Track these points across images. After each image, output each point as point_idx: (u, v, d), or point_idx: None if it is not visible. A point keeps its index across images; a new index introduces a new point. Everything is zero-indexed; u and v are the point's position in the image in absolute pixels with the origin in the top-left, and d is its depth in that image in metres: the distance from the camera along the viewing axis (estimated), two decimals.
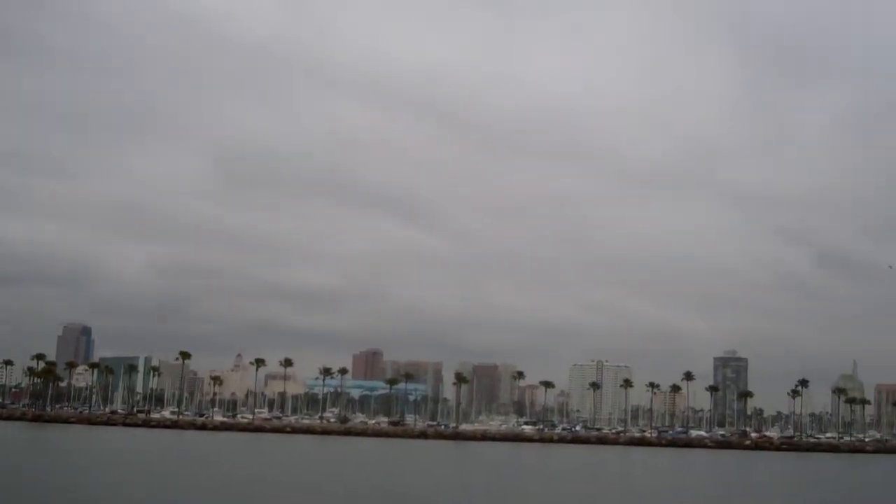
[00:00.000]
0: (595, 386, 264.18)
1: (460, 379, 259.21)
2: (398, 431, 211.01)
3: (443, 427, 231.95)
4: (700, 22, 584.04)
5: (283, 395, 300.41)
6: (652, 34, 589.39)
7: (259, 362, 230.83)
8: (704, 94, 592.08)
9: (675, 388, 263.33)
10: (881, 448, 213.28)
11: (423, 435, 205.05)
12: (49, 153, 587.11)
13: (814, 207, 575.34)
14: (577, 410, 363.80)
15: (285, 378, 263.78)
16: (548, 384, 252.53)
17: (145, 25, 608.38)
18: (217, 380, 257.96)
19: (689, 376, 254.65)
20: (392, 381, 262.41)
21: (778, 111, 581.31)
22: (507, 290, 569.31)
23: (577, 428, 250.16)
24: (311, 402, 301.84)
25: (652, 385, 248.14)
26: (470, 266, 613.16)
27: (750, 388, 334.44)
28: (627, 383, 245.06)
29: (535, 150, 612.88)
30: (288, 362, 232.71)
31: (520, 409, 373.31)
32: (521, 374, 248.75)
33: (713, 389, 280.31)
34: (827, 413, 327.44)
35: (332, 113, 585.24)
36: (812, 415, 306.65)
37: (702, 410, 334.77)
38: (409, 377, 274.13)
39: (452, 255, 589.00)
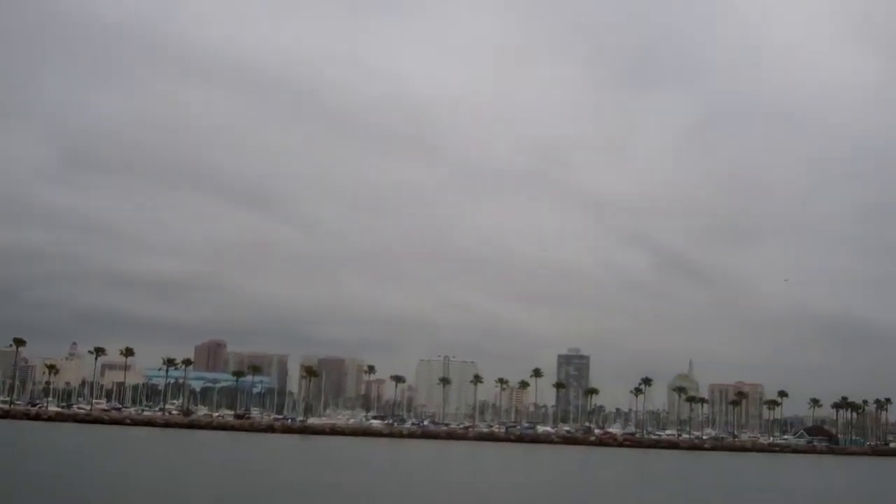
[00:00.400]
0: (445, 381, 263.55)
1: (309, 372, 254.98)
2: (244, 425, 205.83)
3: (289, 421, 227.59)
4: (552, 25, 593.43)
5: (121, 385, 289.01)
6: (505, 35, 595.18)
7: (98, 351, 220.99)
8: (554, 96, 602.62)
9: (524, 385, 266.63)
10: (718, 445, 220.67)
11: (270, 428, 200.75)
12: None
13: (654, 211, 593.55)
14: (424, 405, 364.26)
15: (125, 368, 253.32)
16: (398, 379, 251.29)
17: None
18: (52, 368, 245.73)
19: (537, 373, 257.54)
20: (238, 374, 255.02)
21: (625, 116, 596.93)
22: (357, 284, 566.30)
23: (426, 423, 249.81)
24: (152, 393, 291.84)
25: (501, 381, 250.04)
26: (320, 258, 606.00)
27: (591, 386, 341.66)
28: (477, 379, 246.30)
29: (389, 143, 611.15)
30: (128, 352, 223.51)
31: (367, 404, 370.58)
32: (371, 369, 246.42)
33: (559, 386, 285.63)
34: (664, 411, 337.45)
35: (181, 99, 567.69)
36: (650, 412, 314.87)
37: (545, 406, 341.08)
38: (256, 370, 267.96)
39: (303, 247, 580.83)
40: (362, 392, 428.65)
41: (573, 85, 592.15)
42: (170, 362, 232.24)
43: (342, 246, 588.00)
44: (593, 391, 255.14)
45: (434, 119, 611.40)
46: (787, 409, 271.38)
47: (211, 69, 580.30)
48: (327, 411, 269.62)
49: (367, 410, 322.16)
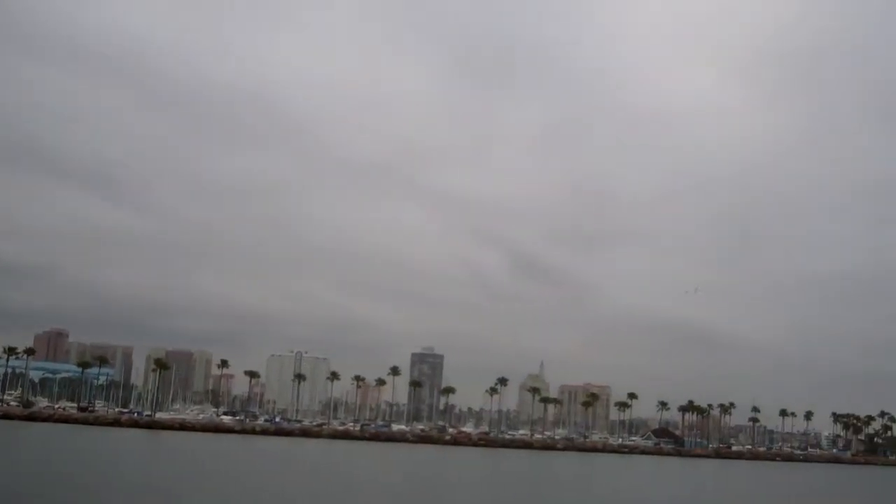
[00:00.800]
0: (300, 377, 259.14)
1: (160, 364, 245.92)
2: (88, 418, 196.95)
3: (136, 415, 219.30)
4: (417, 24, 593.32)
5: None
6: (369, 31, 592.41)
7: None
8: (416, 94, 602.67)
9: (380, 382, 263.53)
10: (570, 446, 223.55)
11: (116, 422, 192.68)
12: None
13: (509, 212, 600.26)
14: (274, 401, 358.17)
15: None
16: (253, 374, 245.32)
17: None
18: None
19: (395, 371, 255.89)
20: (85, 364, 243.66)
21: (484, 117, 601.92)
22: (207, 276, 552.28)
23: (278, 419, 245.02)
24: None
25: (357, 378, 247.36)
26: (168, 248, 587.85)
27: (444, 385, 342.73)
28: (335, 376, 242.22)
29: (245, 134, 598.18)
30: None
31: (215, 399, 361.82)
32: (225, 363, 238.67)
33: (416, 385, 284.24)
34: (514, 411, 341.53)
35: (29, 81, 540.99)
36: (500, 411, 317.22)
37: (397, 404, 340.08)
38: (103, 361, 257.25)
39: (149, 236, 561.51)
40: (210, 387, 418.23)
41: (435, 84, 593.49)
42: (11, 351, 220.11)
43: (194, 237, 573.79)
44: (450, 390, 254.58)
45: (291, 111, 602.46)
46: (634, 412, 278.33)
47: (56, 49, 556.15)
48: (175, 406, 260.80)
49: (216, 406, 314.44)
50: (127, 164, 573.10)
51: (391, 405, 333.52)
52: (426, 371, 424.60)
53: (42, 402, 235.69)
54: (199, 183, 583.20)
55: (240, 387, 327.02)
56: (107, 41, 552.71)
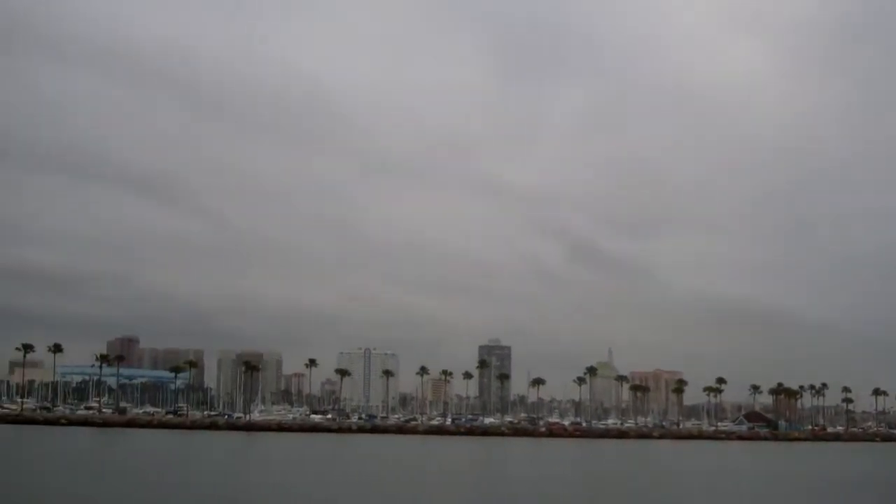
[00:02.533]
0: (388, 374, 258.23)
1: (249, 366, 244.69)
2: (185, 423, 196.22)
3: (227, 417, 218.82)
4: (455, 15, 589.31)
5: (31, 383, 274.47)
6: (408, 25, 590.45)
7: (27, 348, 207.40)
8: (458, 86, 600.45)
9: (446, 374, 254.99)
10: (665, 434, 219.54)
11: (213, 426, 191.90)
12: None
13: (561, 200, 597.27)
14: (349, 398, 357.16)
15: (24, 365, 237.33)
16: (344, 372, 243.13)
17: None
18: None
19: (483, 364, 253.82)
20: (176, 369, 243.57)
21: (528, 105, 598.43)
22: (266, 277, 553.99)
23: (367, 417, 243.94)
24: (71, 390, 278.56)
25: (443, 372, 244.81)
26: (226, 251, 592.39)
27: (514, 375, 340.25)
28: (424, 370, 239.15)
29: (292, 134, 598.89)
30: (57, 348, 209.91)
31: (288, 398, 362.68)
32: (313, 362, 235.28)
33: (503, 377, 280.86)
34: (597, 400, 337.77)
35: (74, 88, 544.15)
36: (572, 401, 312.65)
37: (468, 397, 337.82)
38: (192, 365, 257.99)
39: (207, 240, 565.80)
40: (283, 387, 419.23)
41: (477, 75, 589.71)
42: (103, 358, 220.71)
43: (251, 240, 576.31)
44: (540, 381, 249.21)
45: (341, 110, 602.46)
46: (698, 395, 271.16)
47: (107, 59, 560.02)
48: (261, 407, 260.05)
49: (291, 405, 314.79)
50: (185, 171, 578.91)
51: (462, 398, 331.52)
52: (495, 363, 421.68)
53: (132, 409, 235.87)
54: (254, 186, 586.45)
55: (311, 386, 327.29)
56: (163, 54, 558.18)
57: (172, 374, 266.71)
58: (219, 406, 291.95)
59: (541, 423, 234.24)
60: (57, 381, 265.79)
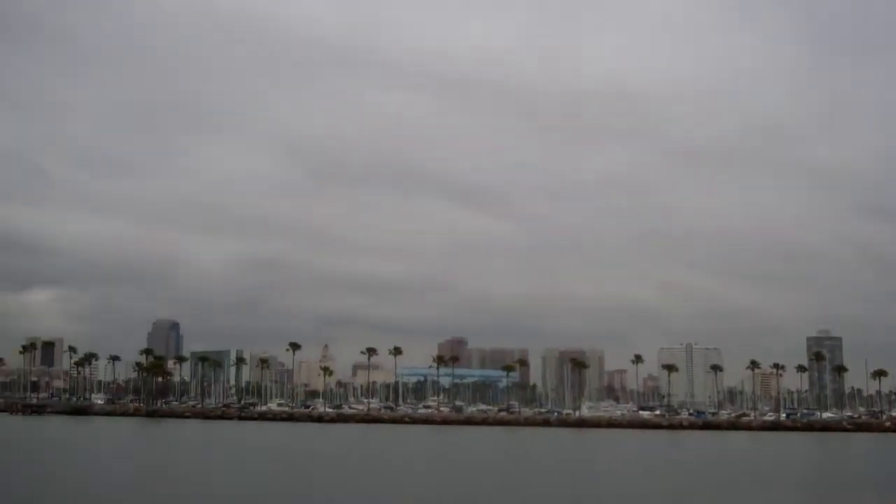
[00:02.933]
0: (716, 368, 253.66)
1: (578, 364, 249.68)
2: (519, 419, 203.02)
3: (556, 414, 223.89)
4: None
5: (373, 384, 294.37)
6: (712, 12, 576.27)
7: (397, 351, 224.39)
8: (763, 66, 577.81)
9: (780, 368, 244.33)
10: None
11: (546, 423, 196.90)
12: (119, 152, 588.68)
13: (889, 178, 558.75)
14: (674, 394, 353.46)
15: (369, 368, 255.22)
16: (671, 368, 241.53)
17: (205, 24, 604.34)
18: (327, 371, 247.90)
19: (818, 356, 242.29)
20: (508, 368, 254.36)
21: (841, 82, 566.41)
22: (578, 274, 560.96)
23: (695, 413, 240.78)
24: (407, 391, 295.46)
25: (776, 366, 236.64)
26: (538, 251, 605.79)
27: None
28: (754, 364, 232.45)
29: (595, 130, 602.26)
30: (397, 351, 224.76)
31: (611, 394, 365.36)
32: (639, 358, 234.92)
33: (840, 369, 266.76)
34: None
35: (393, 103, 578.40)
36: None
37: (798, 391, 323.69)
38: (522, 363, 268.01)
39: (519, 241, 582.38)
40: (605, 383, 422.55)
41: (782, 53, 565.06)
42: (440, 360, 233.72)
43: (559, 237, 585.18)
44: (882, 373, 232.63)
45: (642, 103, 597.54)
46: None
47: (415, 74, 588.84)
48: (588, 404, 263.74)
49: (616, 401, 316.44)
50: (490, 176, 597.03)
51: (792, 393, 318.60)
52: (825, 355, 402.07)
53: (467, 407, 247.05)
54: (555, 183, 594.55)
55: (634, 382, 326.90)
56: (471, 63, 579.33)
57: (502, 373, 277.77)
58: (547, 403, 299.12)
59: (883, 416, 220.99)
60: (398, 382, 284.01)
